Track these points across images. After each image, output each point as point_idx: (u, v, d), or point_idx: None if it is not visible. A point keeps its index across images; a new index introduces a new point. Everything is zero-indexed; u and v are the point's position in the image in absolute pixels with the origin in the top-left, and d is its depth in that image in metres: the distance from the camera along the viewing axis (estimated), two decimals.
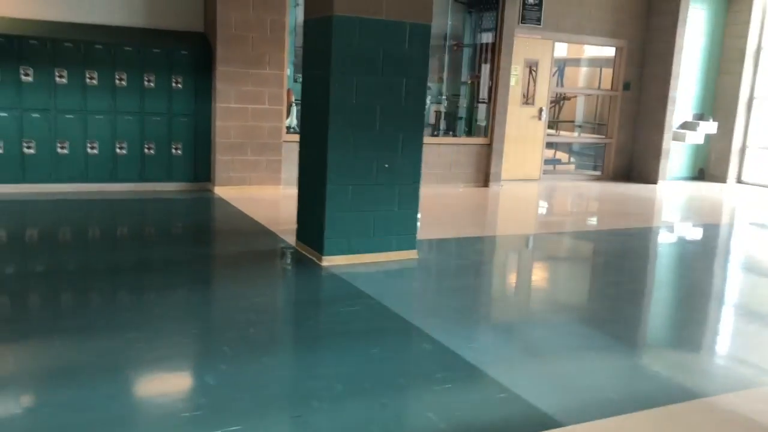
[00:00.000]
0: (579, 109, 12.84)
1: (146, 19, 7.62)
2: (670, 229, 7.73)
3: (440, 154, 9.13)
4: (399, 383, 3.08)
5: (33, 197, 6.83)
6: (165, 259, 5.11)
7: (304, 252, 5.27)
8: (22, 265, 4.78)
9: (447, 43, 9.51)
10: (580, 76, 12.59)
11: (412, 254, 5.29)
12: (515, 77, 9.81)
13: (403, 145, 5.08)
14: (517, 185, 9.77)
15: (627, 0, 10.40)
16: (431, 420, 2.75)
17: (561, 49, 11.03)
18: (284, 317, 3.97)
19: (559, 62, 11.62)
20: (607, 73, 11.18)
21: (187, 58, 7.57)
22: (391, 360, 3.34)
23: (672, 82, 10.40)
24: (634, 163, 11.01)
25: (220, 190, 7.71)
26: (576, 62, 12.29)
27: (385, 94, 4.95)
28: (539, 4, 9.67)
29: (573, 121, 12.76)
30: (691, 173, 11.54)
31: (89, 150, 7.29)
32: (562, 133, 12.27)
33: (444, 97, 9.60)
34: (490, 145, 9.40)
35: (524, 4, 9.59)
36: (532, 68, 10.03)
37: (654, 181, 10.64)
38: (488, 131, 9.40)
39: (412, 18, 4.92)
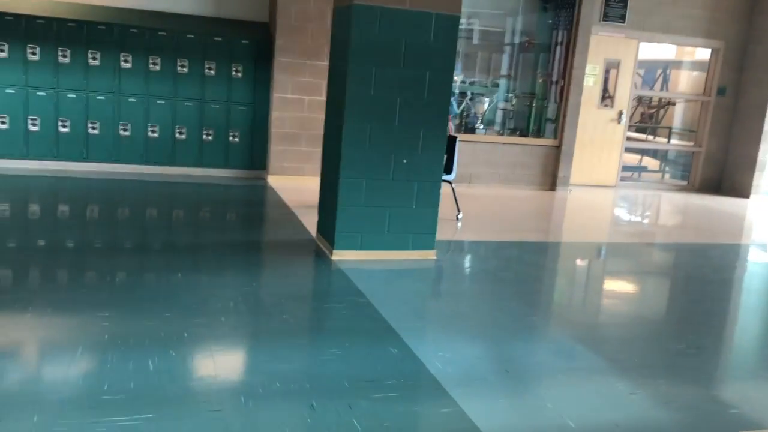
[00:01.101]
0: (677, 115, 11.99)
1: (212, 8, 7.82)
2: (762, 248, 7.02)
3: (504, 154, 8.81)
4: (341, 386, 2.93)
5: (95, 176, 7.17)
6: (191, 241, 5.21)
7: (320, 245, 5.21)
8: (83, 240, 5.00)
9: (518, 39, 9.14)
10: (690, 80, 11.68)
11: (429, 254, 5.10)
12: (593, 77, 9.30)
13: (424, 141, 4.89)
14: (588, 191, 9.26)
15: None
16: (354, 428, 2.59)
17: (667, 51, 10.36)
18: (262, 309, 3.91)
19: (662, 64, 10.91)
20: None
21: (248, 47, 7.70)
22: (347, 362, 3.20)
23: None
24: (726, 174, 10.16)
25: (272, 179, 7.81)
26: (681, 65, 11.40)
27: (407, 88, 4.78)
28: (624, 1, 9.10)
29: (670, 128, 11.95)
30: None
31: (150, 133, 7.58)
32: (658, 139, 11.51)
33: (512, 95, 9.24)
34: (559, 147, 8.96)
35: (607, 1, 9.05)
36: (611, 69, 9.45)
37: (746, 195, 9.77)
38: (558, 133, 8.96)
39: (440, 8, 4.73)
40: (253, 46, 7.72)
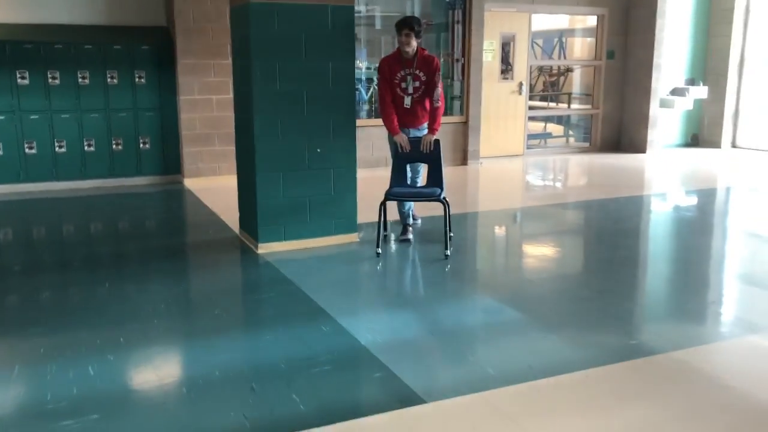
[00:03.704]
0: (576, 81, 12.59)
1: (108, 17, 7.70)
2: (662, 197, 7.56)
3: None
4: (278, 368, 3.11)
5: (4, 198, 6.99)
6: (113, 252, 5.22)
7: (245, 241, 5.33)
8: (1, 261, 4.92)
9: None
10: (584, 46, 12.21)
11: (352, 238, 5.30)
12: (491, 52, 9.69)
13: (335, 129, 5.08)
14: (499, 162, 9.67)
15: None
16: (293, 402, 2.78)
17: (562, 21, 10.87)
18: (194, 308, 4.03)
19: (557, 33, 11.42)
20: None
21: (149, 52, 7.65)
22: (282, 345, 3.37)
23: (656, 48, 10.15)
24: (623, 132, 10.81)
25: (189, 182, 7.81)
26: (574, 33, 11.91)
27: (311, 79, 4.94)
28: None
29: (570, 93, 12.53)
30: (685, 140, 11.30)
31: (57, 149, 7.43)
32: (561, 106, 12.06)
33: None
34: (466, 123, 9.32)
35: None
36: (507, 42, 9.87)
37: (643, 150, 10.44)
38: (463, 109, 9.31)
39: (334, 1, 4.89)
40: (154, 51, 7.67)
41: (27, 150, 7.30)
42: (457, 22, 9.30)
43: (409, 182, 5.27)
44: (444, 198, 4.97)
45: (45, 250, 5.38)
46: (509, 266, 5.19)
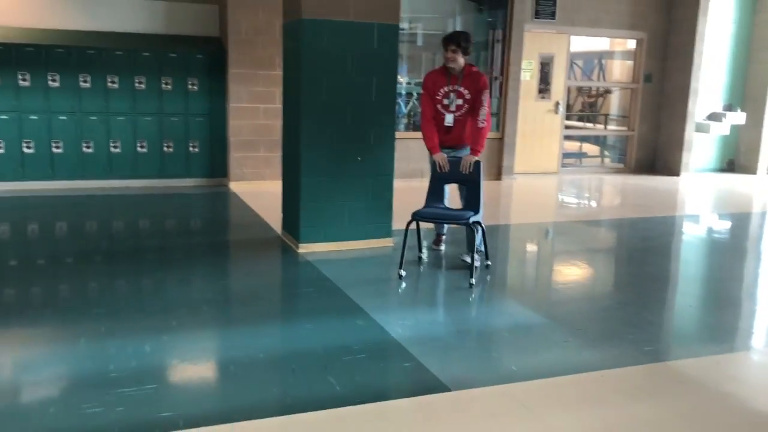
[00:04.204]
0: (614, 103, 12.73)
1: (165, 26, 8.16)
2: (693, 219, 7.69)
3: None
4: (316, 353, 3.39)
5: (61, 194, 7.45)
6: (165, 246, 5.58)
7: (286, 240, 5.65)
8: (53, 251, 5.32)
9: None
10: (624, 68, 12.35)
11: (387, 242, 5.58)
12: (529, 72, 9.92)
13: (375, 140, 5.38)
14: (532, 178, 9.87)
15: None
16: (330, 383, 3.06)
17: (602, 43, 11.04)
18: (241, 298, 4.35)
19: (597, 55, 11.60)
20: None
21: (202, 61, 8.08)
22: (320, 334, 3.66)
23: (694, 73, 10.27)
24: (658, 155, 10.92)
25: (234, 185, 8.19)
26: (614, 55, 12.06)
27: (355, 92, 5.26)
28: (553, 0, 9.74)
29: (607, 115, 12.67)
30: (720, 165, 11.34)
31: (112, 149, 7.88)
32: (597, 126, 12.20)
33: None
34: (501, 139, 9.55)
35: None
36: (546, 63, 10.10)
37: (677, 173, 10.54)
38: (499, 125, 9.55)
39: (380, 19, 5.21)
40: (206, 60, 8.10)
41: (84, 149, 7.77)
42: (497, 41, 9.57)
43: (445, 203, 5.08)
44: (474, 222, 4.69)
45: (102, 241, 5.77)
46: (536, 275, 5.41)
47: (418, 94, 9.55)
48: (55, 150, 7.65)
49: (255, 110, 8.21)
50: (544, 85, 10.23)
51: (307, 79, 5.11)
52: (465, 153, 5.00)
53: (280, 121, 8.10)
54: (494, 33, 9.63)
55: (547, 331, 3.87)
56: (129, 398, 2.84)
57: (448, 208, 5.04)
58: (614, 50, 11.59)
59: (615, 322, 4.07)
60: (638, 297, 4.62)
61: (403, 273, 4.72)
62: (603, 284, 5.12)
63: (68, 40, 7.60)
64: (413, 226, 4.81)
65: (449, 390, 3.04)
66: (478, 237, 4.88)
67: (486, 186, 8.95)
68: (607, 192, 9.48)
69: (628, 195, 9.18)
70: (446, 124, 5.00)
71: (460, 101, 4.95)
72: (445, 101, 4.98)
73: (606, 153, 11.99)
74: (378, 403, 2.90)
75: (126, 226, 6.39)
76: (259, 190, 7.96)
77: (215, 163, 8.36)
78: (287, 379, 3.12)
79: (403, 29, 9.01)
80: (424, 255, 5.24)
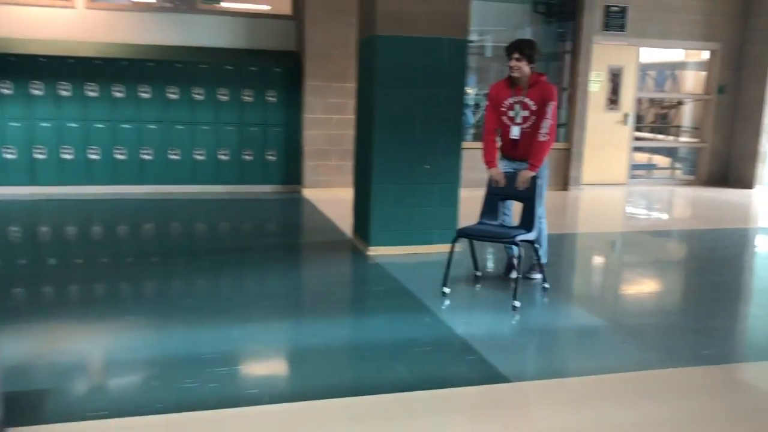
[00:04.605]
0: (687, 114, 12.58)
1: (247, 41, 8.68)
2: (765, 232, 7.62)
3: None
4: (385, 344, 3.67)
5: (149, 197, 8.03)
6: (245, 246, 6.00)
7: (357, 243, 5.97)
8: (147, 250, 5.83)
9: None
10: (698, 80, 12.18)
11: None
12: (598, 83, 9.98)
13: (443, 149, 5.64)
14: (600, 189, 9.91)
15: (721, 2, 10.22)
16: (399, 371, 3.33)
17: (676, 53, 10.98)
18: (315, 294, 4.68)
19: (671, 66, 11.54)
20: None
21: (280, 74, 8.54)
22: (389, 328, 3.94)
23: None
24: (730, 167, 10.74)
25: (307, 192, 8.61)
26: (687, 66, 11.95)
27: (425, 104, 5.54)
28: (623, 12, 9.79)
29: (679, 126, 12.53)
30: None
31: (196, 157, 8.43)
32: (669, 138, 12.09)
33: None
34: (569, 150, 9.65)
35: (607, 11, 9.76)
36: (615, 74, 10.13)
37: (751, 186, 10.35)
38: (567, 136, 9.65)
39: (449, 34, 5.48)
40: (284, 73, 8.56)
41: (171, 156, 8.34)
42: (567, 52, 9.69)
43: (500, 220, 4.87)
44: (522, 241, 4.44)
45: (189, 241, 6.24)
46: (599, 282, 5.53)
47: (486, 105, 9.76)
48: (144, 157, 8.25)
49: (328, 121, 8.61)
50: (614, 97, 10.26)
51: (380, 92, 5.43)
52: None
53: (352, 131, 8.47)
54: (563, 45, 9.75)
55: (606, 332, 4.03)
56: (220, 376, 3.20)
57: (503, 226, 4.77)
58: (688, 61, 11.49)
59: (676, 327, 4.18)
60: (703, 305, 4.71)
61: (447, 290, 4.54)
62: (667, 292, 5.20)
63: (158, 55, 8.19)
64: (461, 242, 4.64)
65: (509, 381, 3.26)
66: (519, 252, 4.61)
67: (552, 196, 9.11)
68: (676, 203, 9.43)
69: (697, 207, 9.11)
70: (512, 136, 4.73)
71: (526, 113, 4.66)
72: (510, 113, 4.71)
73: (677, 165, 11.86)
74: (443, 389, 3.15)
75: (209, 228, 6.85)
76: (330, 196, 8.33)
77: (290, 170, 8.80)
78: (359, 365, 3.42)
79: (471, 42, 9.26)
80: (480, 273, 5.08)
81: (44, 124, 7.92)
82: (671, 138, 12.01)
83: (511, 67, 4.67)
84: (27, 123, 7.89)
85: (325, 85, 8.51)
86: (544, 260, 4.92)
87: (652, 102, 12.01)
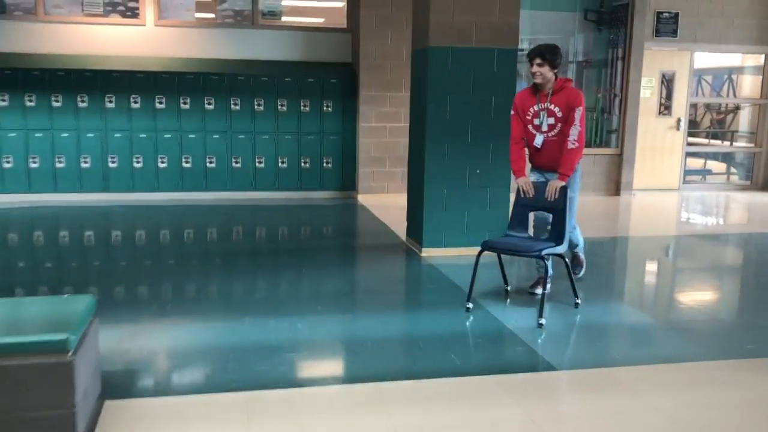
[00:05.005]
0: (744, 120, 12.43)
1: (305, 54, 9.08)
2: None
3: None
4: (439, 337, 3.93)
5: (212, 203, 8.48)
6: (305, 247, 6.35)
7: (410, 246, 6.24)
8: (215, 251, 6.24)
9: (578, 58, 10.01)
10: (756, 84, 12.02)
11: None
12: (650, 89, 10.03)
13: (493, 154, 5.87)
14: (653, 194, 9.93)
15: None
16: (452, 359, 3.58)
17: (732, 59, 10.93)
18: (372, 291, 4.97)
19: (727, 71, 11.45)
20: None
21: (336, 85, 8.91)
22: (443, 322, 4.19)
23: None
24: None
25: (362, 198, 8.93)
26: (745, 70, 11.82)
27: (476, 111, 5.79)
28: (675, 17, 9.83)
29: (735, 131, 12.39)
30: None
31: (257, 164, 8.86)
32: (724, 143, 11.98)
33: None
34: (620, 155, 9.72)
35: (659, 17, 9.81)
36: (669, 79, 10.15)
37: None
38: (619, 142, 9.73)
39: (500, 44, 5.72)
40: (340, 84, 8.92)
41: (234, 164, 8.79)
42: (620, 58, 9.78)
43: (531, 232, 4.77)
44: (550, 255, 4.29)
45: (251, 243, 6.62)
46: (647, 282, 5.65)
47: None
48: (209, 165, 8.72)
49: (382, 129, 8.92)
50: (667, 102, 10.28)
51: (432, 100, 5.71)
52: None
53: (405, 139, 8.76)
54: (615, 51, 9.84)
55: (652, 327, 4.19)
56: (288, 360, 3.51)
57: (531, 238, 4.62)
58: (745, 65, 11.37)
59: (723, 324, 4.31)
60: (753, 305, 4.80)
61: (470, 306, 4.37)
62: (717, 292, 5.30)
63: (221, 68, 8.66)
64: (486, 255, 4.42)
65: (556, 370, 3.47)
66: (548, 269, 4.39)
67: (603, 201, 9.21)
68: (730, 208, 9.38)
69: (752, 211, 9.05)
70: (534, 144, 4.59)
71: (551, 120, 4.48)
72: (536, 121, 4.53)
73: (732, 170, 11.74)
74: (491, 375, 3.38)
75: (271, 232, 7.23)
76: (384, 201, 8.63)
77: (345, 177, 9.14)
78: (415, 353, 3.68)
79: (522, 50, 9.45)
80: (510, 287, 4.86)
81: (117, 135, 8.47)
82: (726, 143, 11.89)
83: (533, 74, 4.46)
84: (101, 134, 8.45)
85: (379, 94, 8.83)
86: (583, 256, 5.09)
87: (708, 107, 11.91)
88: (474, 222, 5.94)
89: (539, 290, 4.62)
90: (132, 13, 8.69)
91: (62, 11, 8.56)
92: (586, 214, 8.34)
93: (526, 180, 4.58)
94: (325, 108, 8.93)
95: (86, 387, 2.68)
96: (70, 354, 2.49)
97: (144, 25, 8.69)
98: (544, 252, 4.19)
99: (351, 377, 3.40)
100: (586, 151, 9.60)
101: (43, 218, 7.48)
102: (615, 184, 9.77)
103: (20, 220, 7.35)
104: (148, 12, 8.65)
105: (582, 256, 5.23)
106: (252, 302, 4.59)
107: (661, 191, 10.22)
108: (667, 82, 10.21)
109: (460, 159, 5.82)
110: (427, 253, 5.88)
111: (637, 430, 2.85)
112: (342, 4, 9.28)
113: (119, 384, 3.18)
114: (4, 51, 8.29)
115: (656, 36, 9.83)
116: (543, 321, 4.12)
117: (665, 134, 10.28)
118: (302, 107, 8.87)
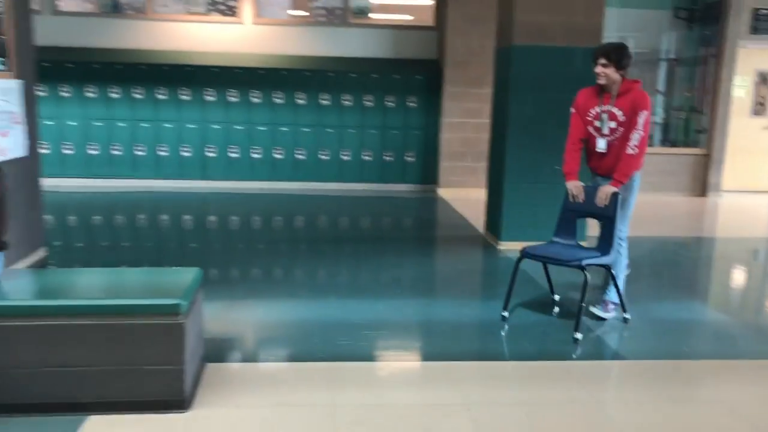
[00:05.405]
0: None
1: (391, 51, 9.39)
2: None
3: (654, 163, 9.50)
4: (513, 323, 4.13)
5: (301, 192, 8.93)
6: (388, 237, 6.67)
7: (488, 239, 6.43)
8: (302, 237, 6.67)
9: (666, 56, 9.85)
10: None
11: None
12: (743, 88, 9.76)
13: None
14: (743, 196, 9.67)
15: None
16: (525, 346, 3.79)
17: None
18: (450, 278, 5.21)
19: None
20: None
21: (421, 81, 9.17)
22: (516, 309, 4.38)
23: None
24: None
25: (442, 191, 9.16)
26: None
27: (556, 108, 5.89)
28: None
29: None
30: None
31: (342, 157, 9.24)
32: None
33: (658, 108, 9.93)
34: (708, 156, 9.52)
35: (756, 15, 9.52)
36: (763, 78, 9.84)
37: None
38: (707, 141, 9.53)
39: (582, 43, 5.81)
40: (425, 80, 9.17)
41: (321, 156, 9.21)
42: (706, 57, 9.57)
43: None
44: (589, 265, 3.92)
45: (336, 231, 6.98)
46: (726, 281, 5.62)
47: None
48: (298, 157, 9.17)
49: (465, 124, 9.12)
50: (762, 101, 9.96)
51: (514, 97, 5.87)
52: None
53: (487, 135, 8.89)
54: (705, 50, 9.64)
55: (727, 326, 4.24)
56: (369, 337, 3.81)
57: (579, 245, 4.35)
58: None
59: None
60: None
61: (506, 314, 4.19)
62: None
63: (313, 65, 9.08)
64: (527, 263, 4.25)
65: (625, 359, 3.62)
66: (587, 279, 3.95)
67: (689, 202, 9.07)
68: None
69: None
70: (597, 149, 4.27)
71: (613, 124, 4.16)
72: (597, 123, 4.23)
73: None
74: (564, 361, 3.57)
75: (353, 221, 7.58)
76: (464, 196, 8.82)
77: (427, 171, 9.39)
78: (488, 338, 3.91)
79: None
80: (557, 297, 4.57)
81: (215, 127, 9.04)
82: None
83: (597, 74, 4.15)
84: (201, 126, 9.04)
85: (463, 90, 9.03)
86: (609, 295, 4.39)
87: None
88: (551, 217, 6.01)
89: (604, 313, 4.29)
90: (231, 11, 9.24)
91: (168, 9, 9.20)
92: (669, 214, 8.27)
93: (576, 184, 4.31)
94: (409, 103, 9.21)
95: (193, 348, 3.06)
96: (181, 317, 2.87)
97: (242, 23, 9.21)
98: (584, 262, 3.89)
99: (426, 355, 3.66)
100: (670, 150, 9.54)
101: (147, 202, 8.12)
102: (701, 185, 9.58)
103: (126, 203, 8.01)
104: (246, 10, 9.17)
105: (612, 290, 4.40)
106: (335, 284, 4.93)
107: (752, 193, 9.92)
108: (764, 81, 9.89)
109: (539, 155, 5.96)
110: (504, 246, 6.06)
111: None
112: (430, 2, 9.52)
113: (218, 350, 3.56)
114: (117, 47, 9.01)
115: (753, 33, 9.54)
116: (579, 336, 3.85)
117: (759, 135, 9.97)
118: (387, 102, 9.18)
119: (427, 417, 2.92)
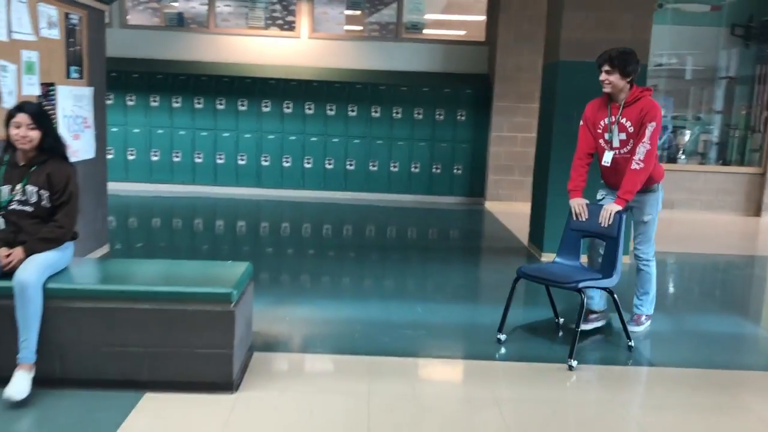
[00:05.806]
0: None
1: (442, 65, 9.59)
2: None
3: (707, 181, 9.42)
4: (552, 328, 4.24)
5: (351, 202, 9.18)
6: (435, 246, 6.85)
7: (531, 250, 6.52)
8: (351, 244, 6.91)
9: (721, 74, 9.77)
10: None
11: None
12: None
13: None
14: None
15: None
16: (556, 349, 3.89)
17: None
18: (491, 286, 5.34)
19: None
20: None
21: (471, 95, 9.33)
22: (518, 332, 4.49)
23: None
24: None
25: (489, 204, 9.27)
26: None
27: None
28: None
29: None
30: None
31: (391, 168, 9.46)
32: None
33: (714, 126, 9.83)
34: (763, 175, 9.37)
35: None
36: None
37: None
38: (762, 160, 9.38)
39: None
40: (474, 94, 9.33)
41: (371, 167, 9.45)
42: (763, 75, 9.45)
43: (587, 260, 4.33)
44: (586, 287, 3.71)
45: (385, 239, 7.19)
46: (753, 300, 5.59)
47: (673, 127, 9.80)
48: (348, 167, 9.43)
49: (513, 139, 9.23)
50: None
51: (560, 112, 5.98)
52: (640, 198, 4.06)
53: (534, 149, 9.02)
54: (763, 67, 9.52)
55: (758, 336, 4.25)
56: (407, 336, 3.99)
57: (582, 266, 4.10)
58: None
59: None
60: None
61: (503, 337, 3.96)
62: None
63: (365, 78, 9.35)
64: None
65: (654, 366, 3.69)
66: (590, 303, 4.09)
67: (743, 222, 8.94)
68: None
69: None
70: (603, 163, 4.09)
71: (622, 136, 3.94)
72: (606, 135, 4.01)
73: None
74: (600, 365, 3.67)
75: (399, 230, 7.77)
76: (510, 209, 8.91)
77: (474, 184, 9.53)
78: (528, 342, 4.02)
79: (660, 65, 9.42)
80: (561, 320, 4.38)
81: (270, 137, 9.39)
82: None
83: (601, 82, 3.94)
84: (256, 135, 9.41)
85: (512, 105, 9.15)
86: (649, 311, 4.34)
87: None
88: None
89: (636, 327, 4.23)
90: (289, 26, 9.61)
91: (229, 24, 9.64)
92: (723, 232, 8.18)
93: (580, 202, 4.10)
94: (458, 117, 9.38)
95: (242, 335, 3.29)
96: (233, 305, 3.10)
97: (299, 37, 9.57)
98: (581, 285, 3.67)
99: (461, 354, 3.81)
100: (724, 168, 9.42)
101: (204, 207, 8.49)
102: (756, 204, 9.41)
103: (184, 207, 8.40)
104: (303, 25, 9.53)
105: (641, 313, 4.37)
106: (379, 288, 5.12)
107: None
108: None
109: None
110: (547, 257, 6.13)
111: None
112: (482, 18, 9.70)
113: (265, 341, 3.79)
114: (180, 59, 9.47)
115: None
116: (574, 363, 3.59)
117: None
118: (437, 116, 9.37)
119: (457, 410, 3.07)
